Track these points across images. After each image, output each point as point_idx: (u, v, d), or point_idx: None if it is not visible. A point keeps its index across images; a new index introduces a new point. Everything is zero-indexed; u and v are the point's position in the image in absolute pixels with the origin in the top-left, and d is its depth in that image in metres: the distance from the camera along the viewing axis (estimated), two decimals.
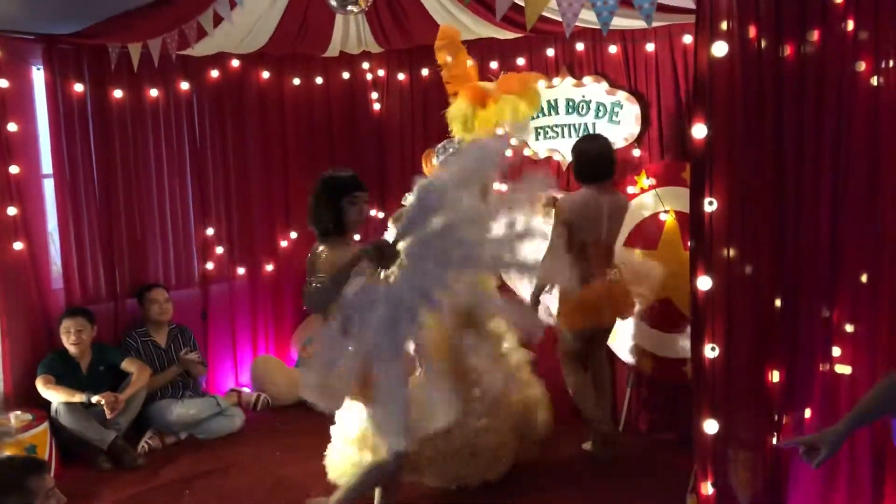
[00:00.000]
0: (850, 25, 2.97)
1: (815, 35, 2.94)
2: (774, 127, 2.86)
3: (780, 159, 2.91)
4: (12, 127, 4.60)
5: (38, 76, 4.83)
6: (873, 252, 2.98)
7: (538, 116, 5.07)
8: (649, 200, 4.70)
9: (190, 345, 5.24)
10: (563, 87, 5.02)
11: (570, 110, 5.01)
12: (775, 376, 3.09)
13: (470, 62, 4.69)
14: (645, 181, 4.74)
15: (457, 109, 4.44)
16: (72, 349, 4.68)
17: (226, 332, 5.71)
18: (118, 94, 5.06)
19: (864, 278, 3.04)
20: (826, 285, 3.06)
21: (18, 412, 4.42)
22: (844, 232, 3.02)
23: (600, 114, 4.90)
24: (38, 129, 4.88)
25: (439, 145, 4.42)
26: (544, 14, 3.97)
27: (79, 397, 4.51)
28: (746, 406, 3.00)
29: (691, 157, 2.92)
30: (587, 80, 4.94)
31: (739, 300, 2.92)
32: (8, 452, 3.94)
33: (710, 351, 2.89)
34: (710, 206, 2.79)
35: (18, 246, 4.63)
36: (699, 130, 2.76)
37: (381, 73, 5.90)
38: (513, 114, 4.33)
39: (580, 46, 4.95)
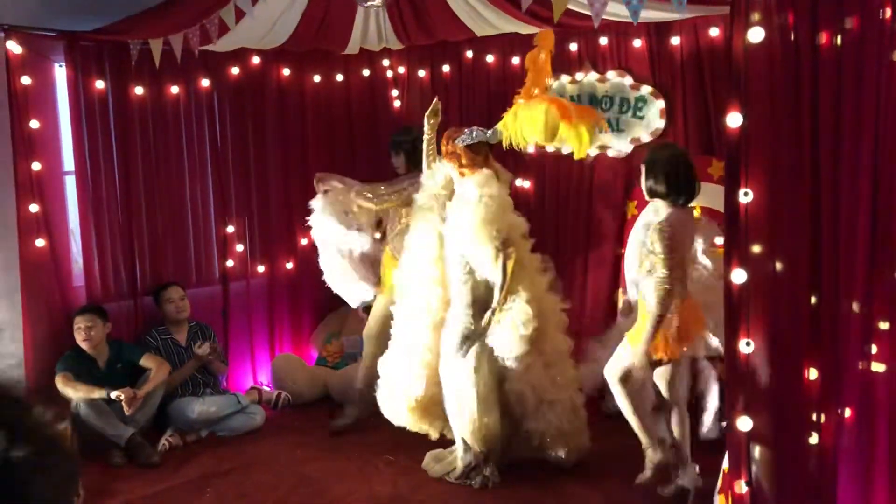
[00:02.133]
0: (888, 13, 2.91)
1: (852, 23, 2.87)
2: (811, 116, 2.79)
3: (817, 150, 2.84)
4: (34, 124, 4.59)
5: (59, 73, 4.83)
6: None
7: None
8: None
9: (210, 341, 5.22)
10: (587, 82, 4.96)
11: (594, 105, 4.95)
12: (812, 373, 3.02)
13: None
14: None
15: (544, 117, 3.89)
16: (84, 346, 4.66)
17: (246, 329, 5.68)
18: (139, 90, 5.05)
19: None
20: (863, 281, 2.98)
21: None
22: (881, 227, 2.95)
23: (624, 108, 4.85)
24: (59, 126, 4.88)
25: (467, 129, 4.20)
26: (569, 7, 3.91)
27: (98, 394, 4.50)
28: (782, 403, 2.93)
29: (726, 146, 2.86)
30: (611, 74, 4.89)
31: (775, 294, 2.85)
32: None
33: (745, 346, 2.82)
34: (745, 196, 2.72)
35: (40, 243, 4.63)
36: (734, 119, 2.70)
37: (401, 70, 5.87)
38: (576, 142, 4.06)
39: (604, 41, 4.90)
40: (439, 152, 4.21)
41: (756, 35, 2.64)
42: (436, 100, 4.28)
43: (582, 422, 4.23)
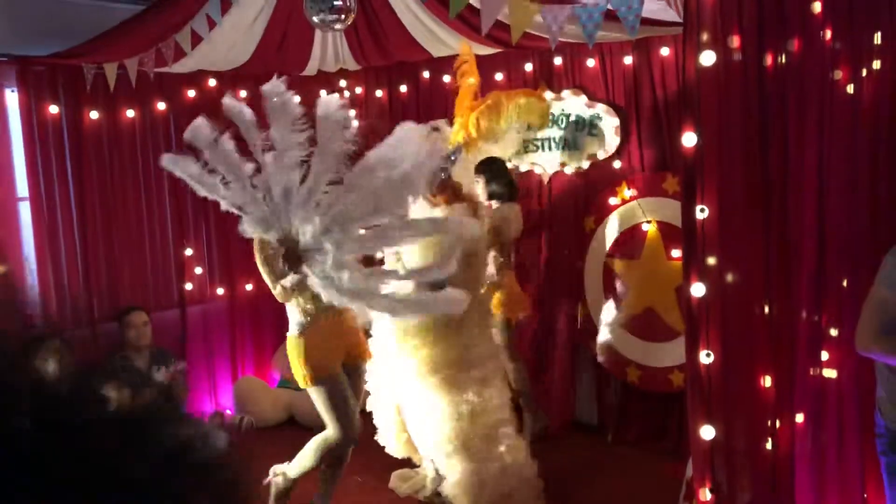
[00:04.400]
0: (829, 34, 3.05)
1: (794, 44, 3.01)
2: (760, 134, 2.91)
3: (766, 166, 2.96)
4: None
5: (11, 98, 4.75)
6: (853, 257, 3.04)
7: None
8: (631, 211, 4.75)
9: (170, 366, 5.15)
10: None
11: (550, 124, 5.05)
12: (767, 381, 3.13)
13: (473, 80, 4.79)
14: (626, 192, 4.79)
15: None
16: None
17: (206, 353, 5.63)
18: (94, 115, 5.00)
19: (844, 283, 3.10)
20: (813, 290, 3.11)
21: None
22: (828, 237, 3.08)
23: (580, 126, 4.95)
24: (12, 151, 4.79)
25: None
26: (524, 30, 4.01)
27: None
28: (742, 411, 3.03)
29: (682, 165, 2.96)
30: (566, 93, 4.99)
31: (732, 306, 2.96)
32: None
33: (706, 357, 2.91)
34: (701, 213, 2.82)
35: None
36: (689, 139, 2.80)
37: (358, 90, 5.90)
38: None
39: (558, 61, 5.00)
40: None
41: (707, 58, 2.75)
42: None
43: None
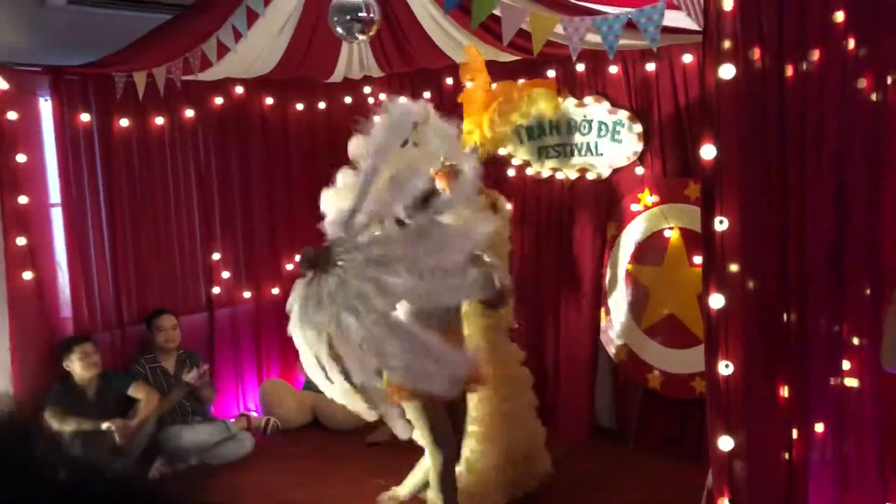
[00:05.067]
0: (851, 44, 3.05)
1: (815, 55, 3.01)
2: (779, 146, 2.92)
3: (785, 177, 2.97)
4: (21, 158, 4.63)
5: (45, 107, 4.87)
6: (874, 267, 3.03)
7: (541, 136, 5.14)
8: (653, 217, 4.76)
9: (198, 368, 5.25)
10: (565, 108, 5.08)
11: (573, 130, 5.07)
12: (786, 391, 3.13)
13: (494, 85, 4.80)
14: (648, 198, 4.80)
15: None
16: (88, 374, 4.68)
17: (233, 355, 5.73)
18: (124, 122, 5.10)
19: (868, 292, 3.10)
20: (833, 300, 3.10)
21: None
22: (849, 246, 3.08)
23: (602, 133, 4.96)
24: (45, 159, 4.91)
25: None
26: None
27: (88, 426, 4.52)
28: (760, 421, 3.03)
29: (701, 177, 2.98)
30: (588, 100, 5.00)
31: (751, 317, 2.96)
32: None
33: (724, 368, 2.92)
34: (720, 224, 2.83)
35: (28, 276, 4.66)
36: (708, 151, 2.82)
37: (382, 96, 5.96)
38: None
39: (581, 67, 5.02)
40: None
41: (727, 71, 2.76)
42: None
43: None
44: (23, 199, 4.63)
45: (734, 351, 2.89)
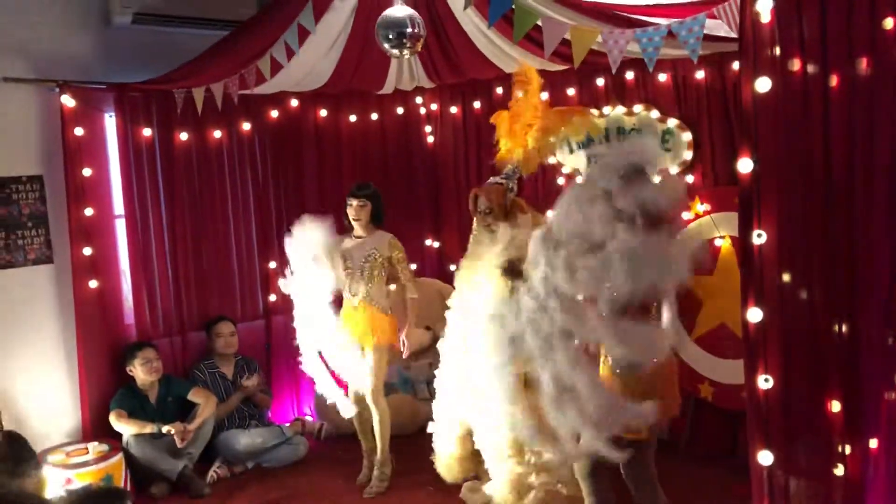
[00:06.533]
0: None
1: (863, 63, 2.93)
2: (823, 158, 2.86)
3: (830, 188, 2.90)
4: (87, 171, 4.86)
5: (109, 122, 5.10)
6: None
7: (589, 144, 5.13)
8: (704, 226, 4.70)
9: (255, 374, 5.41)
10: (615, 116, 5.06)
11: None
12: (835, 406, 3.06)
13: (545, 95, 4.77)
14: (699, 207, 4.75)
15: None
16: (149, 378, 4.88)
17: (289, 362, 5.86)
18: (184, 136, 5.30)
19: None
20: (886, 312, 3.02)
21: (96, 443, 4.64)
22: None
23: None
24: (110, 172, 5.14)
25: (501, 176, 4.35)
26: (591, 47, 4.03)
27: (150, 429, 4.71)
28: (804, 437, 2.98)
29: (739, 190, 2.94)
30: (637, 108, 4.97)
31: (793, 330, 2.91)
32: (83, 482, 4.13)
33: (764, 382, 2.88)
34: (758, 238, 2.80)
35: (93, 284, 4.88)
36: (745, 165, 2.79)
37: (433, 107, 6.04)
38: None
39: (630, 76, 5.00)
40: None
41: (763, 84, 2.72)
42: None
43: None
44: (88, 211, 4.86)
45: (774, 365, 2.85)
